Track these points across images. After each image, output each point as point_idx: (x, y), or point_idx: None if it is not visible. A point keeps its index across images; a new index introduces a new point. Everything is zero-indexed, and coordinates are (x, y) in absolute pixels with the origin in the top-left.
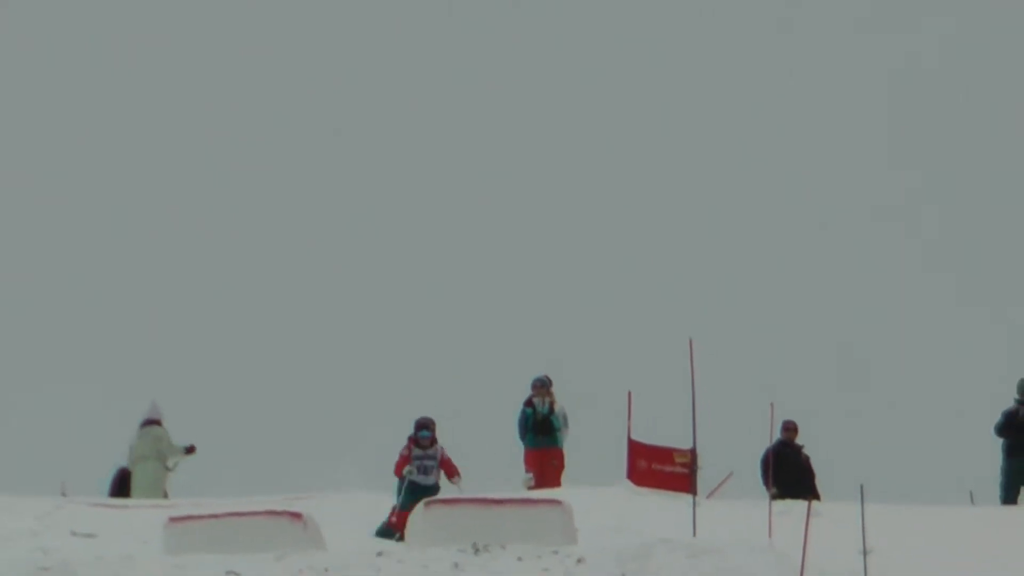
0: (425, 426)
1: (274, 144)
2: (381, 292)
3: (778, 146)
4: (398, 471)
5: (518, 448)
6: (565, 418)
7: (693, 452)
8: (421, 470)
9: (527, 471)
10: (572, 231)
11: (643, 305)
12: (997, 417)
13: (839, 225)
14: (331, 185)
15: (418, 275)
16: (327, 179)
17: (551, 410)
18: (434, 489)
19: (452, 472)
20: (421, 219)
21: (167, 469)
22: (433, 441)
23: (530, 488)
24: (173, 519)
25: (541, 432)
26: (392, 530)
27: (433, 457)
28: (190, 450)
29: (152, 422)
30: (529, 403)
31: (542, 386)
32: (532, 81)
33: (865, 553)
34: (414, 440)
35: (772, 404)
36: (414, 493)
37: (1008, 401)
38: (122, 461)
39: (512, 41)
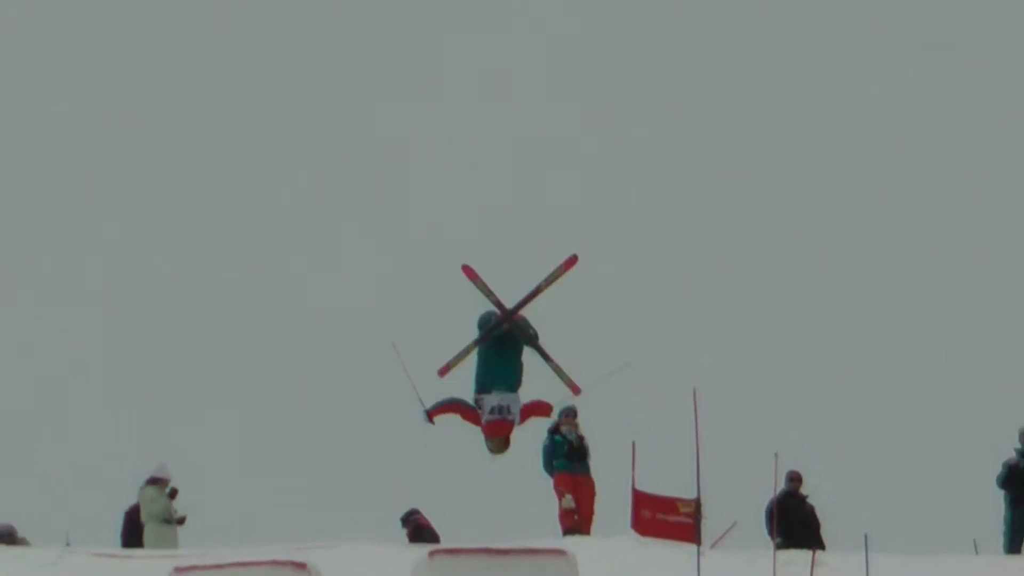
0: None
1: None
2: (386, 300)
3: (785, 194)
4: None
5: (543, 480)
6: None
7: (697, 502)
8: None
9: (564, 494)
10: (576, 275)
11: (647, 354)
12: (999, 467)
13: (843, 274)
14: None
15: (422, 284)
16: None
17: (580, 439)
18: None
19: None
20: (440, 233)
21: (175, 525)
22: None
23: (571, 510)
24: (178, 570)
25: (576, 459)
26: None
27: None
28: (180, 521)
29: (154, 480)
30: (556, 431)
31: (573, 416)
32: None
33: None
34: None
35: (776, 454)
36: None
37: (1009, 451)
38: (128, 504)
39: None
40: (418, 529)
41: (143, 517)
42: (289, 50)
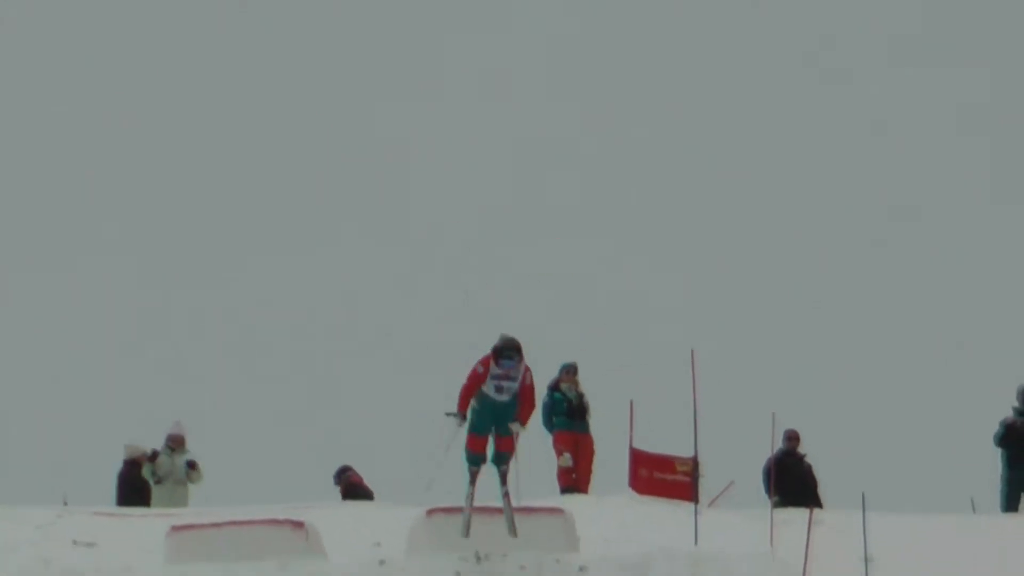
0: (509, 356)
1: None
2: (386, 300)
3: (783, 155)
4: (467, 388)
5: (542, 435)
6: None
7: (695, 460)
8: (497, 390)
9: (563, 451)
10: (577, 239)
11: (645, 315)
12: (996, 426)
13: (841, 236)
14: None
15: (422, 284)
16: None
17: (580, 397)
18: (511, 406)
19: (526, 408)
20: (440, 233)
21: (187, 485)
22: (518, 366)
23: (568, 468)
24: (175, 528)
25: (576, 416)
26: (476, 455)
27: (514, 378)
28: (192, 465)
29: (174, 439)
30: (556, 388)
31: (573, 373)
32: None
33: (867, 561)
34: (495, 357)
35: (774, 413)
36: (486, 412)
37: (1007, 409)
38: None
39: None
40: (351, 486)
41: (160, 476)
42: (289, 49)
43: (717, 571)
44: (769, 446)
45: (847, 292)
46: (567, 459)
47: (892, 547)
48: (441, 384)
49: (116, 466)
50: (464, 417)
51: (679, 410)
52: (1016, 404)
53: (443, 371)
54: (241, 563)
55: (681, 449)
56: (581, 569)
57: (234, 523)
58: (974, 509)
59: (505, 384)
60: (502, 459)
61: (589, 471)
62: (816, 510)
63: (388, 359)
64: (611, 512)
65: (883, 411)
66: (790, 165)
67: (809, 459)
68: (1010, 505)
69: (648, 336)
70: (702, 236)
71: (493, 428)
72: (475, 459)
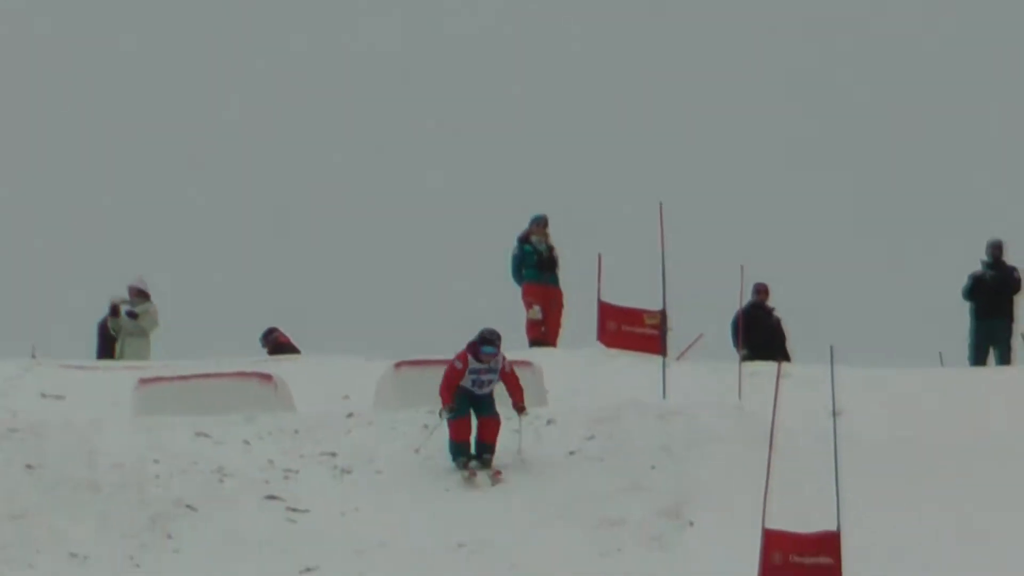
0: (490, 341)
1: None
2: (364, 144)
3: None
4: (446, 385)
5: (512, 288)
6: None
7: (663, 313)
8: (476, 384)
9: (532, 304)
10: (548, 91)
11: (613, 167)
12: (965, 280)
13: (815, 83)
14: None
15: (392, 138)
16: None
17: (550, 249)
18: (489, 398)
19: (517, 393)
20: (395, 88)
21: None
22: (497, 354)
23: (537, 320)
24: (143, 381)
25: (546, 269)
26: (460, 444)
27: (493, 370)
28: (131, 315)
29: (141, 293)
30: (525, 240)
31: (544, 225)
32: None
33: (835, 414)
34: (472, 351)
35: (743, 266)
36: (464, 403)
37: (976, 263)
38: (101, 315)
39: None
40: (278, 346)
41: (124, 332)
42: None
43: (685, 424)
44: (738, 299)
45: (819, 143)
46: (536, 312)
47: (860, 400)
48: (412, 233)
49: (86, 319)
50: (452, 409)
51: (648, 263)
52: (985, 258)
53: (415, 222)
54: (209, 416)
55: (650, 302)
56: (549, 422)
57: (202, 376)
58: (942, 363)
59: (485, 378)
60: (484, 449)
61: (558, 324)
62: (784, 363)
63: (359, 212)
64: (579, 365)
65: (852, 264)
66: (762, 12)
67: (778, 312)
68: (978, 358)
69: (616, 188)
70: (670, 86)
71: (473, 412)
72: (459, 449)
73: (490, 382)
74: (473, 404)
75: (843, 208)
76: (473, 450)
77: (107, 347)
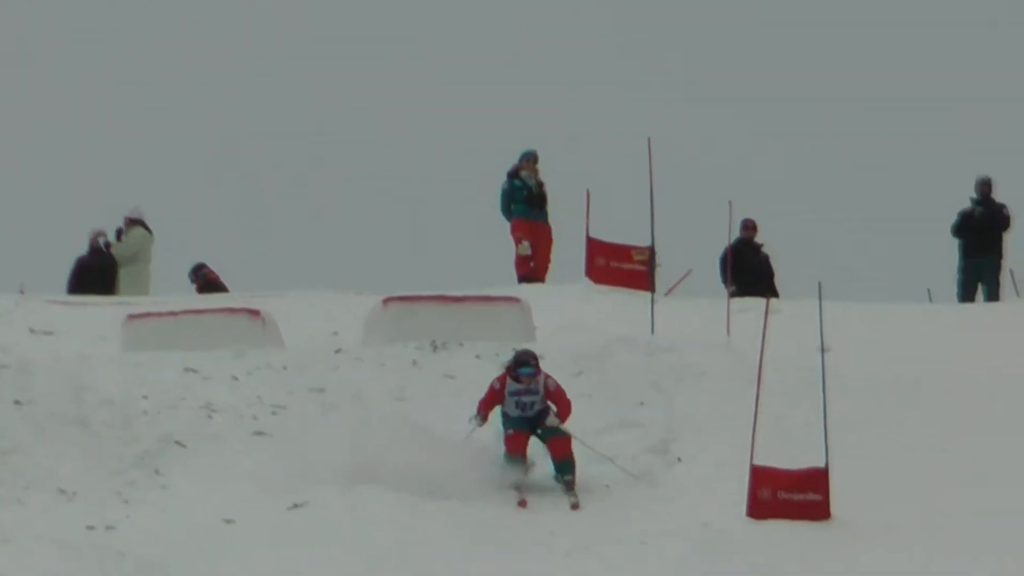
0: (526, 362)
1: None
2: (356, 79)
3: None
4: (483, 403)
5: (500, 227)
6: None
7: (652, 250)
8: (520, 407)
9: (521, 240)
10: (537, 28)
11: (602, 103)
12: (954, 217)
13: (798, 22)
14: None
15: (383, 72)
16: None
17: (540, 185)
18: (544, 416)
19: (564, 407)
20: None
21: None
22: (536, 374)
23: (527, 256)
24: (131, 317)
25: (535, 205)
26: (513, 457)
27: (534, 392)
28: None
29: (134, 222)
30: (515, 175)
31: (534, 161)
32: None
33: (823, 350)
34: (511, 373)
35: (731, 202)
36: (522, 420)
37: (964, 200)
38: (80, 251)
39: None
40: (207, 283)
41: (121, 258)
42: None
43: (673, 360)
44: (726, 235)
45: (809, 79)
46: (525, 247)
47: (848, 336)
48: (402, 169)
49: (75, 254)
50: (483, 419)
51: (636, 199)
52: (974, 195)
53: (405, 157)
54: (197, 351)
55: (638, 238)
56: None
57: (190, 311)
58: (930, 299)
59: (526, 399)
60: (564, 468)
61: (547, 260)
62: (773, 299)
63: (349, 148)
64: (568, 301)
65: (842, 201)
66: None
67: (766, 248)
68: (966, 295)
69: (606, 124)
70: (660, 22)
71: (530, 428)
72: (511, 462)
73: (533, 404)
74: (531, 425)
75: (832, 144)
76: (553, 472)
77: (82, 283)
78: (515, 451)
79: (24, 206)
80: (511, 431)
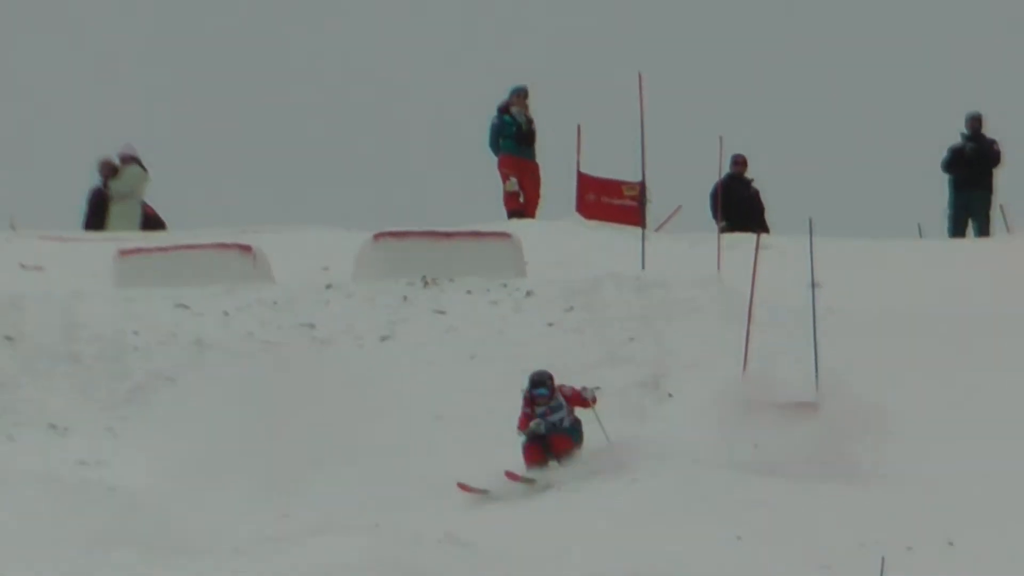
0: (541, 383)
1: None
2: (345, 11)
3: None
4: (523, 425)
5: (489, 163)
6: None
7: (642, 185)
8: (549, 426)
9: (508, 176)
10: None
11: (592, 37)
12: (944, 152)
13: None
14: None
15: (373, 5)
16: None
17: (529, 122)
18: (576, 424)
19: (585, 402)
20: None
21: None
22: (552, 393)
23: (515, 192)
24: (123, 252)
25: (524, 142)
26: (534, 467)
27: (559, 408)
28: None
29: (129, 159)
30: (505, 110)
31: (524, 96)
32: None
33: (813, 286)
34: (530, 399)
35: (721, 137)
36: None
37: (955, 135)
38: (94, 183)
39: None
40: (146, 220)
41: (115, 195)
42: None
43: (664, 295)
44: (716, 171)
45: (798, 16)
46: (513, 183)
47: (839, 272)
48: (391, 103)
49: (65, 189)
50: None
51: (626, 134)
52: (964, 130)
53: (394, 91)
54: (188, 287)
55: (628, 174)
56: (528, 294)
57: (181, 247)
58: (921, 234)
59: (554, 419)
60: (557, 457)
61: (536, 197)
62: (763, 235)
63: (339, 81)
64: (558, 237)
65: (832, 136)
66: None
67: (756, 184)
68: (956, 230)
69: (596, 59)
70: None
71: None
72: (533, 472)
73: (562, 420)
74: (551, 432)
75: (822, 79)
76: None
77: (97, 217)
78: (533, 462)
79: (14, 141)
80: (527, 443)
